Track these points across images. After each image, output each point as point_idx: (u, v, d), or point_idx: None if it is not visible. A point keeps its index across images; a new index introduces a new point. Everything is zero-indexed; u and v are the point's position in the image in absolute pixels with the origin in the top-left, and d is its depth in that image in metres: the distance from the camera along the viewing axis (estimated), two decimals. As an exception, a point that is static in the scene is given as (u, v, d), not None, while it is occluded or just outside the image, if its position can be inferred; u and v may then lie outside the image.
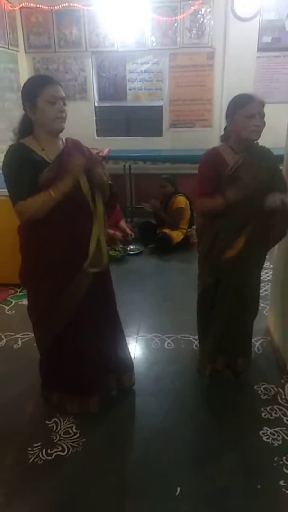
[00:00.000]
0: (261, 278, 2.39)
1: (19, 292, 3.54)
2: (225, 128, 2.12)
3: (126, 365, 2.30)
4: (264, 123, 1.99)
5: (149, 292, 3.57)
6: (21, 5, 4.90)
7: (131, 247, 4.54)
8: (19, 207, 1.72)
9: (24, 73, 5.06)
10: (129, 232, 4.68)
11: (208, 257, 2.21)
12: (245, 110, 1.95)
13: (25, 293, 2.08)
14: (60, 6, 4.89)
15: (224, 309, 2.24)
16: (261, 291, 2.42)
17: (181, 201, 4.54)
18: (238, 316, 2.28)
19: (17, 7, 4.88)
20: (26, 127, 1.81)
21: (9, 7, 4.70)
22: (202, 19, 4.93)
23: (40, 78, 1.87)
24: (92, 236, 1.88)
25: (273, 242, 2.26)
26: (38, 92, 1.71)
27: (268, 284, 3.27)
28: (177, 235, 4.52)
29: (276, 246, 2.41)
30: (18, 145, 1.78)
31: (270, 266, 3.12)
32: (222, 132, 2.16)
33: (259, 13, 4.77)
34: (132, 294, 3.46)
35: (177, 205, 4.54)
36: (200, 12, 4.89)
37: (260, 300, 2.43)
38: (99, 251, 1.91)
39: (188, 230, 4.58)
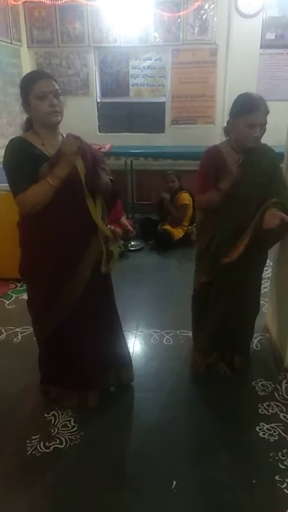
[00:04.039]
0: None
1: (20, 287, 3.55)
2: (228, 122, 2.11)
3: (124, 360, 2.31)
4: (264, 131, 1.99)
5: (149, 288, 3.58)
6: (24, -1, 4.89)
7: (132, 243, 4.55)
8: (20, 199, 1.74)
9: (27, 68, 5.04)
10: (130, 228, 4.68)
11: (203, 256, 2.22)
12: (247, 119, 1.93)
13: (26, 287, 2.10)
14: (63, 1, 4.85)
15: (219, 308, 2.25)
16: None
17: (185, 197, 4.54)
18: (236, 314, 2.28)
19: (20, 2, 4.85)
20: (28, 122, 1.84)
21: (13, 2, 4.67)
22: (205, 15, 4.90)
23: (31, 75, 1.81)
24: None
25: (272, 243, 2.26)
26: (29, 90, 1.73)
27: (267, 282, 3.28)
28: (177, 232, 4.53)
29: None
30: (18, 139, 1.79)
31: (270, 263, 3.13)
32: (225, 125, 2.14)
33: (263, 9, 4.75)
34: (132, 290, 3.47)
35: (182, 202, 4.54)
36: (203, 8, 4.87)
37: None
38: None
39: (189, 227, 4.58)
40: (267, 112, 1.96)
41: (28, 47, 5.14)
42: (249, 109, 1.93)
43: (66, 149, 1.73)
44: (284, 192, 2.05)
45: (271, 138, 2.29)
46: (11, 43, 4.68)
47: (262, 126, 1.96)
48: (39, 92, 1.72)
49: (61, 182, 1.73)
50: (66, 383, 2.17)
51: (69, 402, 2.18)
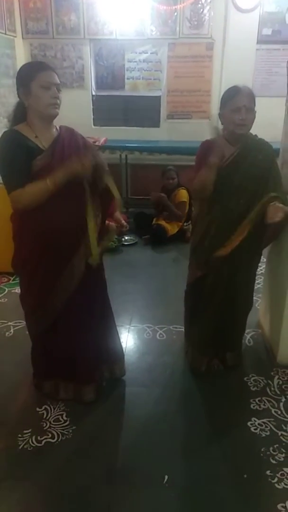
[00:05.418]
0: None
1: (12, 280, 3.53)
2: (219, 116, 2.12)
3: (117, 355, 2.31)
4: (253, 117, 1.98)
5: (142, 283, 3.58)
6: (19, -11, 4.83)
7: (126, 237, 4.53)
8: (15, 196, 1.71)
9: (21, 59, 4.98)
10: (124, 223, 4.65)
11: (198, 249, 2.22)
12: (231, 104, 1.96)
13: (18, 281, 2.08)
14: (58, -9, 4.82)
15: (213, 303, 2.25)
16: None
17: (183, 195, 4.53)
18: (228, 311, 2.28)
19: (15, -8, 4.80)
20: (20, 114, 1.80)
21: (7, -9, 4.62)
22: (202, 9, 4.88)
23: (35, 64, 1.85)
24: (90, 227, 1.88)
25: (267, 243, 2.26)
26: (32, 77, 1.70)
27: (261, 278, 3.29)
28: (172, 227, 4.52)
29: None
30: (11, 131, 1.76)
31: (264, 259, 3.13)
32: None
33: (260, 4, 4.73)
34: (125, 284, 3.47)
35: (180, 199, 4.52)
36: (200, 2, 4.84)
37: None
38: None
39: (185, 224, 4.57)
40: (253, 97, 1.98)
41: (23, 38, 5.08)
42: (231, 95, 1.98)
43: (79, 170, 1.72)
44: (280, 187, 2.06)
45: (267, 133, 2.29)
46: (5, 34, 4.62)
47: (248, 110, 1.96)
48: (44, 82, 1.71)
49: (57, 188, 1.71)
50: (63, 374, 2.15)
51: (65, 394, 2.17)
